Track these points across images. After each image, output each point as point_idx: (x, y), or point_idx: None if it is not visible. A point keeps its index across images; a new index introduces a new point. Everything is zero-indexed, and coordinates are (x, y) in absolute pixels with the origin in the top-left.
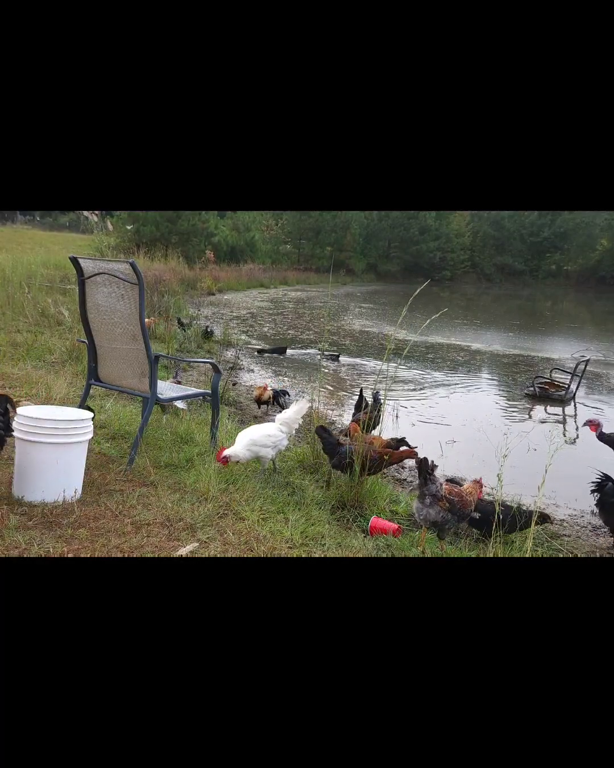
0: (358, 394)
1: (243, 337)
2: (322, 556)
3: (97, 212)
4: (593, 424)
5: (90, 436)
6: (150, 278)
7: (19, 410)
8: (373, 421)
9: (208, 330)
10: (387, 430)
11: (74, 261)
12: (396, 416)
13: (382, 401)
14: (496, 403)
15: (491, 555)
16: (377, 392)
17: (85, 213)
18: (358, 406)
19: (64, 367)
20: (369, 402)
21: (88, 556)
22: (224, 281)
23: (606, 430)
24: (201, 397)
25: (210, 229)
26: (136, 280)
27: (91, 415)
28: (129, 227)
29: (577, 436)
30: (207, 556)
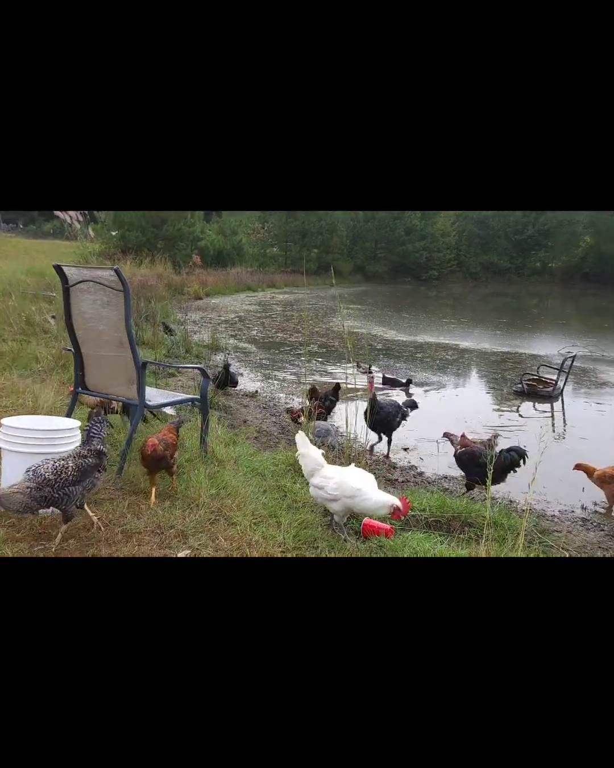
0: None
1: (231, 341)
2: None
3: (79, 219)
4: (370, 379)
5: (77, 444)
6: (136, 284)
7: (4, 421)
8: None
9: (230, 376)
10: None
11: (58, 269)
12: None
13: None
14: (486, 400)
15: (483, 552)
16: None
17: (60, 214)
18: (313, 396)
19: (51, 375)
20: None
21: None
22: (212, 285)
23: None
24: (190, 403)
25: (196, 234)
26: (121, 287)
27: (78, 424)
28: (114, 233)
29: (565, 432)
30: None
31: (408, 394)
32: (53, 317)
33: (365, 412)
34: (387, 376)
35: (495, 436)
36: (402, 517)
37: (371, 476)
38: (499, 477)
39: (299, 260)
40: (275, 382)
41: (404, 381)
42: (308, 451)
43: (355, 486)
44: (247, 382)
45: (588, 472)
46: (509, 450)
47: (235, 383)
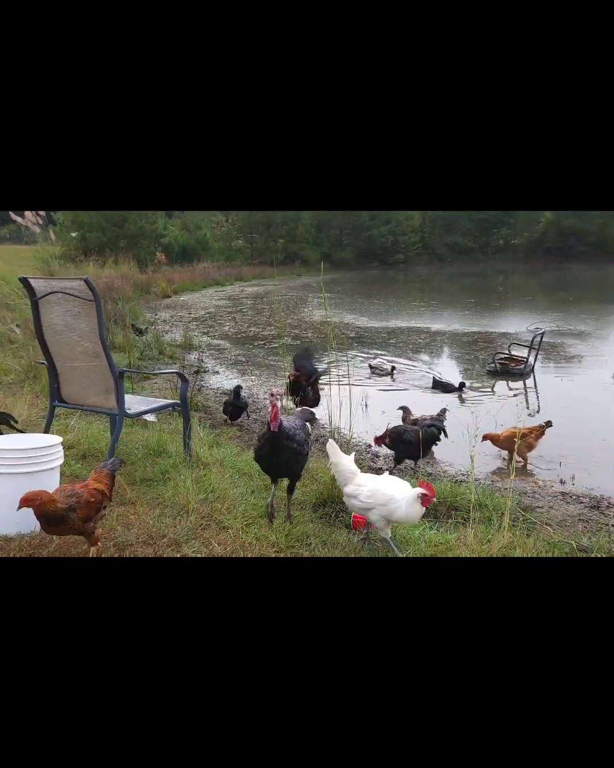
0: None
1: (204, 339)
2: (309, 556)
3: (39, 223)
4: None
5: (60, 461)
6: (101, 286)
7: None
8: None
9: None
10: (357, 419)
11: (25, 282)
12: (365, 405)
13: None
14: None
15: (471, 535)
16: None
17: (18, 218)
18: (294, 391)
19: (23, 387)
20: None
21: None
22: (179, 283)
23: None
24: (170, 408)
25: (159, 231)
26: (92, 297)
27: (60, 439)
28: (73, 234)
29: (539, 410)
30: None
31: (462, 401)
32: (18, 326)
33: (266, 449)
34: (438, 379)
35: (444, 411)
36: (434, 500)
37: (407, 484)
38: (420, 452)
39: (265, 252)
40: (252, 377)
41: (456, 385)
42: (340, 460)
43: (389, 493)
44: (223, 380)
45: (494, 439)
46: (429, 426)
47: (241, 413)
